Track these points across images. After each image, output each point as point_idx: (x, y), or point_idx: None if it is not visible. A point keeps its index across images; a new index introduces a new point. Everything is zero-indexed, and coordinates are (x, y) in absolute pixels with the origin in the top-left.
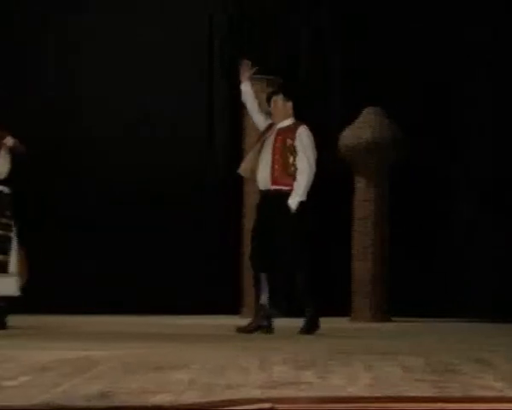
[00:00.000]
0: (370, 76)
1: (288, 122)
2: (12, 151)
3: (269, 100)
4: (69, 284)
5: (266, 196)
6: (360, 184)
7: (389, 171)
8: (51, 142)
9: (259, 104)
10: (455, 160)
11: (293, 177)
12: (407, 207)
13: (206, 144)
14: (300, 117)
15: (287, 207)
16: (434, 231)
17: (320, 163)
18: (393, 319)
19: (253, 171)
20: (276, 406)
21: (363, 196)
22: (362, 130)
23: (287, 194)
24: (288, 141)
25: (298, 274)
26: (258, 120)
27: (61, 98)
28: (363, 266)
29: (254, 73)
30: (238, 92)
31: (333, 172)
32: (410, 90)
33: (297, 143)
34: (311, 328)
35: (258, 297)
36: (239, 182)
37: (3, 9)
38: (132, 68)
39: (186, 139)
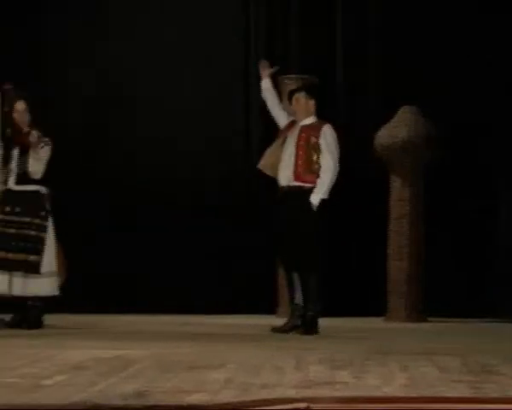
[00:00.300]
0: (406, 75)
1: (311, 120)
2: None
3: (291, 98)
4: (99, 284)
5: (287, 192)
6: (396, 183)
7: (425, 170)
8: (77, 141)
9: (281, 101)
10: (492, 158)
11: (316, 174)
12: (443, 207)
13: (241, 144)
14: (337, 116)
15: (308, 204)
16: (470, 230)
17: (356, 163)
18: (429, 319)
19: (274, 166)
20: (312, 405)
21: (399, 195)
22: (397, 129)
23: (308, 191)
24: (313, 139)
25: (309, 273)
26: (279, 116)
27: (91, 97)
28: (398, 266)
29: (279, 73)
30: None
31: (368, 172)
32: (446, 89)
33: (321, 142)
34: (311, 329)
35: (292, 297)
36: (274, 180)
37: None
38: (166, 67)
39: (221, 139)
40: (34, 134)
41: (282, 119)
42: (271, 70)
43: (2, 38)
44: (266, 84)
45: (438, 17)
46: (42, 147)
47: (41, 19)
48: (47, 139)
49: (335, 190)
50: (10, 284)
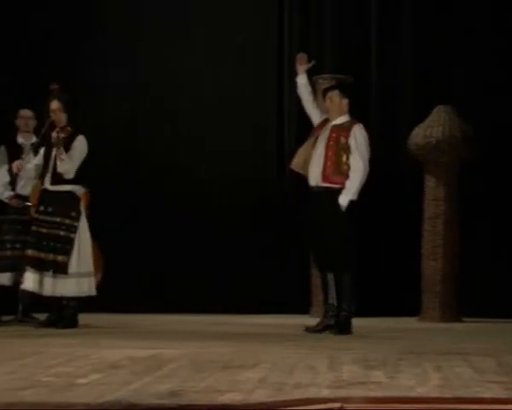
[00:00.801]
0: (441, 74)
1: (342, 119)
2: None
3: (325, 96)
4: (136, 283)
5: (316, 192)
6: (430, 182)
7: (460, 169)
8: (120, 140)
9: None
10: None
11: (346, 175)
12: (478, 206)
13: (275, 144)
14: (371, 115)
15: (337, 206)
16: (506, 229)
17: (390, 162)
18: (463, 319)
19: (306, 164)
20: (346, 405)
21: (434, 195)
22: (432, 128)
23: (337, 191)
24: (342, 139)
25: (343, 274)
26: (313, 114)
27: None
28: (432, 266)
29: (313, 72)
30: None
31: (403, 172)
32: (482, 88)
33: (351, 142)
34: (344, 329)
35: (325, 297)
36: (305, 180)
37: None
38: (198, 66)
39: (254, 137)
40: (54, 136)
41: (315, 117)
42: (308, 65)
43: (41, 38)
44: (302, 80)
45: (473, 15)
46: (59, 148)
47: (80, 20)
48: (62, 138)
49: (369, 189)
50: (41, 283)
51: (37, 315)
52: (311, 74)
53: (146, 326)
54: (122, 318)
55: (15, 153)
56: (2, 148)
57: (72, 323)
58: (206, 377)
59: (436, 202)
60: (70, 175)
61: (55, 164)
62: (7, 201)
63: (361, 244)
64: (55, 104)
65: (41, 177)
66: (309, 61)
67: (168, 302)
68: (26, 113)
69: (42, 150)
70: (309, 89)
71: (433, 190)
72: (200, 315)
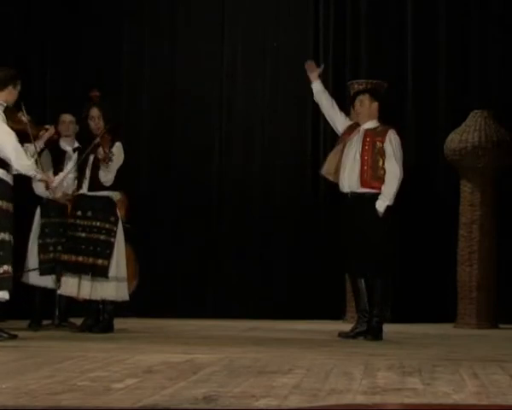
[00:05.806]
0: (477, 79)
1: (374, 124)
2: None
3: (354, 99)
4: (171, 288)
5: (352, 198)
6: (466, 188)
7: (496, 175)
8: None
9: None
10: None
11: (382, 180)
12: None
13: (310, 150)
14: (407, 120)
15: (374, 211)
16: None
17: (426, 167)
18: (500, 325)
19: (337, 171)
20: None
21: (469, 200)
22: (468, 133)
23: (373, 197)
24: (378, 144)
25: (378, 279)
26: (336, 119)
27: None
28: (468, 272)
29: (348, 78)
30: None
31: (439, 177)
32: None
33: (387, 147)
34: (376, 335)
35: (358, 303)
36: (337, 186)
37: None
38: (230, 74)
39: (292, 145)
40: (100, 151)
41: (338, 121)
42: (319, 70)
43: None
44: (317, 87)
45: (509, 19)
46: (108, 162)
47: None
48: (112, 154)
49: (406, 195)
50: (79, 286)
51: (73, 320)
52: (346, 80)
53: (181, 331)
54: (157, 322)
55: (58, 158)
56: (46, 151)
57: (108, 327)
58: (241, 383)
59: (472, 208)
60: (109, 183)
61: (92, 171)
62: (52, 197)
63: (397, 250)
64: (94, 111)
65: (77, 183)
66: (317, 66)
67: (203, 307)
68: (66, 117)
69: (74, 158)
70: (327, 94)
71: (469, 196)
72: (235, 320)
